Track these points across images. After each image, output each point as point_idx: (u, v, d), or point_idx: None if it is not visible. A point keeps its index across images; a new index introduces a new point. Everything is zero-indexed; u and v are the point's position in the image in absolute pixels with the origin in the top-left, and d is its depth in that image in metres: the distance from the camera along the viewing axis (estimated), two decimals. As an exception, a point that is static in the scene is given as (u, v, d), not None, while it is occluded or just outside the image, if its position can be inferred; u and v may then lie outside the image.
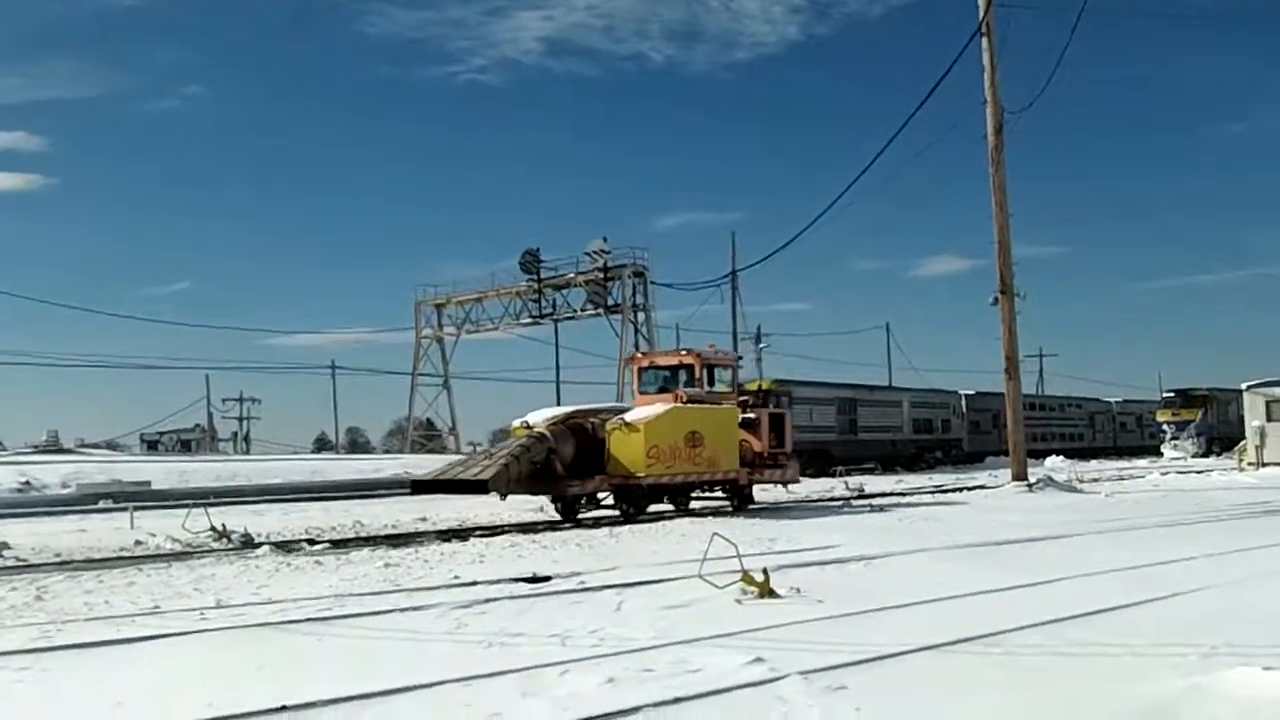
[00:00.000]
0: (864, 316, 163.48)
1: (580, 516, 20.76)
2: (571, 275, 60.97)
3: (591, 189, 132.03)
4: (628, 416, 21.04)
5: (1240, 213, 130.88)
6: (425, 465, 40.13)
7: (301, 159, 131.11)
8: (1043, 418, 61.84)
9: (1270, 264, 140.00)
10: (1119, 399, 75.64)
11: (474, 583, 11.25)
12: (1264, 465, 33.66)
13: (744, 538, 13.45)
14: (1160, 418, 61.70)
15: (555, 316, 62.34)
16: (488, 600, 10.00)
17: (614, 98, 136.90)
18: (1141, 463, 52.84)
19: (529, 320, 63.62)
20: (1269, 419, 34.58)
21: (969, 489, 30.17)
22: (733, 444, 22.25)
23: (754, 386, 42.91)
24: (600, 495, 21.25)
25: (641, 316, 61.08)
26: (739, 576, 9.87)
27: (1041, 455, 48.10)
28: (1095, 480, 33.02)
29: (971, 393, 57.35)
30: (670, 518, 20.56)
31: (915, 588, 10.22)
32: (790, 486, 25.60)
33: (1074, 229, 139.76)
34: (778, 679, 6.52)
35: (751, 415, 23.70)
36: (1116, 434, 71.00)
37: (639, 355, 24.76)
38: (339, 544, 16.60)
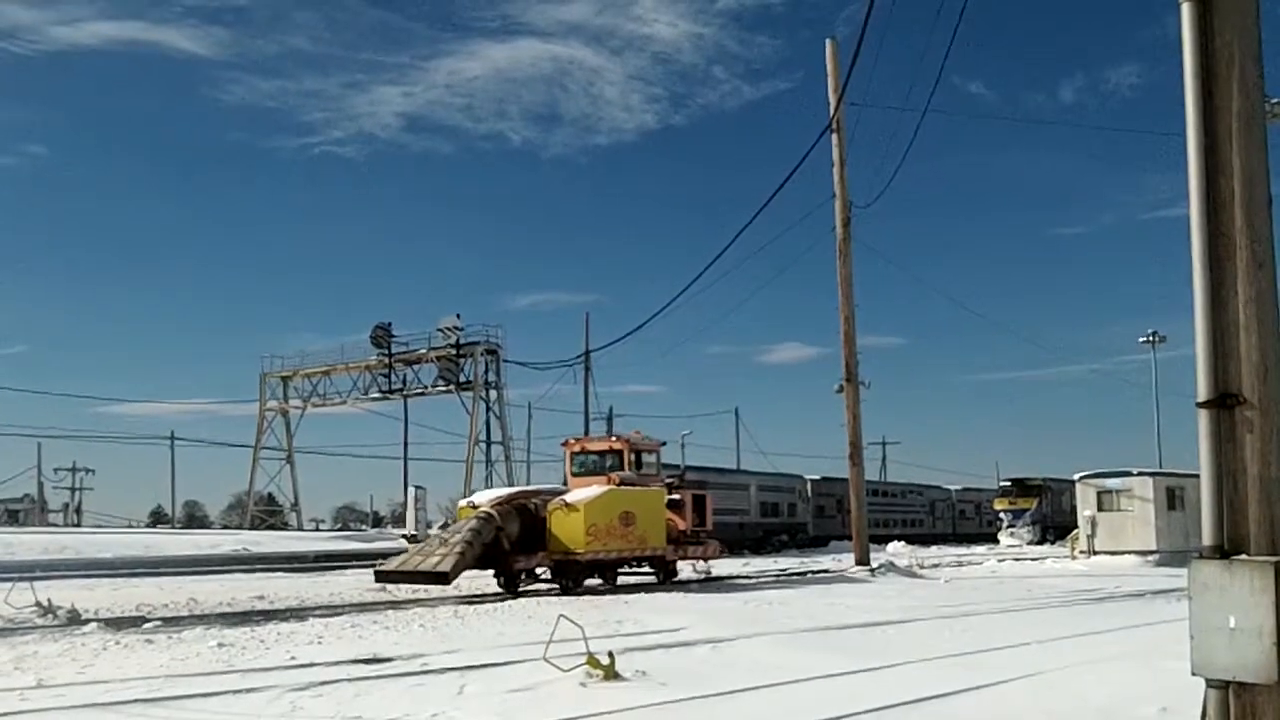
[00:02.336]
0: (714, 400, 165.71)
1: (521, 589, 22.02)
2: (423, 351, 60.38)
3: (446, 265, 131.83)
4: (568, 498, 22.48)
5: (1074, 310, 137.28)
6: (265, 541, 39.06)
7: (147, 223, 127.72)
8: (885, 504, 63.11)
9: (1101, 359, 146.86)
10: (958, 487, 77.68)
11: (311, 664, 10.93)
12: (1095, 554, 34.88)
13: (591, 620, 13.40)
14: (998, 506, 63.45)
15: (405, 392, 61.50)
16: (324, 682, 9.72)
17: (471, 176, 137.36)
18: (979, 549, 54.23)
19: (378, 395, 62.67)
20: (1100, 509, 35.89)
21: (813, 573, 30.53)
22: (661, 523, 24.11)
23: None
24: (539, 570, 22.61)
25: (493, 394, 60.76)
26: (585, 660, 9.80)
27: (884, 540, 49.02)
28: (935, 566, 33.74)
29: (817, 478, 58.22)
30: (524, 595, 20.42)
31: (758, 672, 10.28)
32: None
33: (916, 320, 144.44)
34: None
35: (677, 497, 25.73)
36: (956, 521, 72.76)
37: (572, 440, 26.40)
38: (171, 622, 15.93)
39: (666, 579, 24.81)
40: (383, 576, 21.32)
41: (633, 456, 24.74)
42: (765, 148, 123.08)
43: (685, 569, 28.02)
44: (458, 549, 20.39)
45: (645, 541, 23.52)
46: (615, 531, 22.58)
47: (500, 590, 22.08)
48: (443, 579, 20.03)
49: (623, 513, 22.84)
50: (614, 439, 25.67)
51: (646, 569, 25.01)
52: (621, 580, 24.13)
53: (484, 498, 23.06)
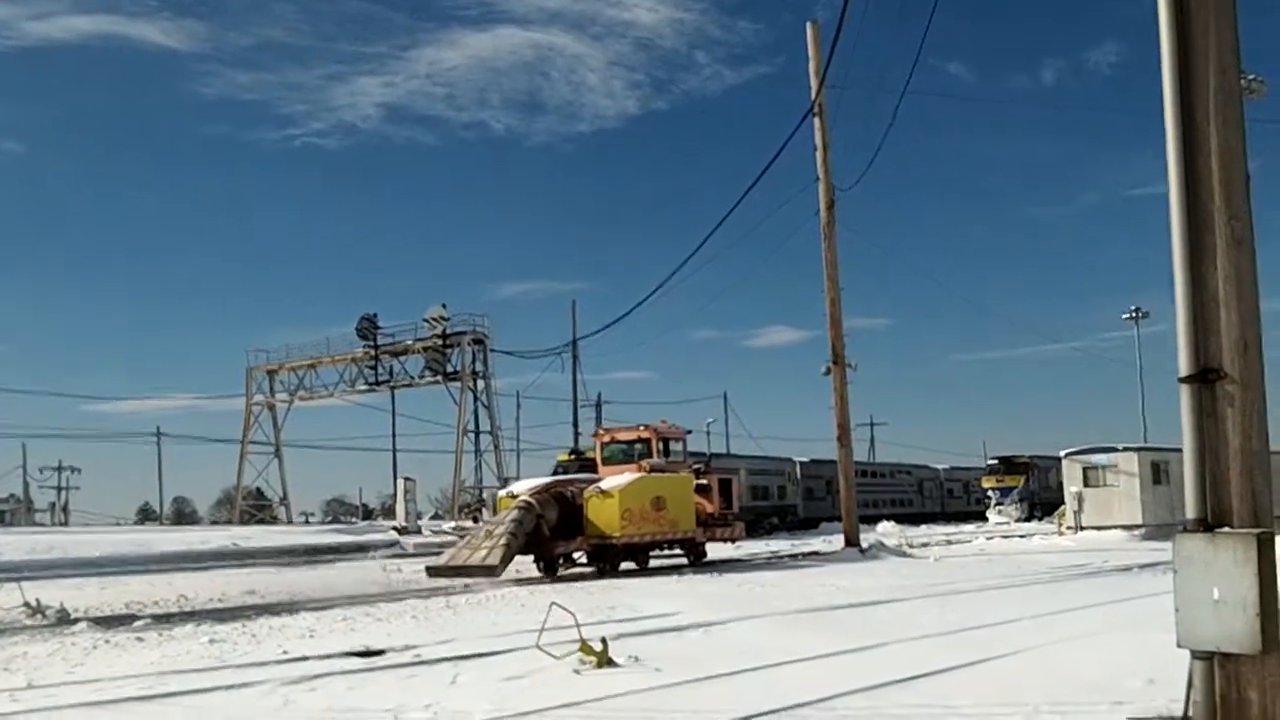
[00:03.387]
0: (702, 385, 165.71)
1: (560, 574, 23.41)
2: (410, 342, 60.22)
3: (431, 255, 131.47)
4: (603, 485, 23.80)
5: (1059, 288, 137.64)
6: (254, 536, 38.96)
7: (127, 219, 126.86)
8: (874, 484, 63.30)
9: (1085, 336, 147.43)
10: (946, 466, 77.94)
11: (303, 658, 10.92)
12: (1082, 529, 35.08)
13: (583, 606, 13.44)
14: (985, 484, 63.73)
15: (392, 384, 61.34)
16: (317, 676, 9.73)
17: (454, 165, 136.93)
18: (968, 527, 54.52)
19: (365, 387, 62.49)
20: (1086, 485, 36.11)
21: (804, 554, 30.62)
22: (690, 507, 25.23)
23: (565, 458, 43.94)
24: (576, 555, 24.03)
25: (481, 384, 60.65)
26: (577, 646, 9.84)
27: (873, 521, 49.19)
28: (924, 545, 33.87)
29: (806, 460, 58.34)
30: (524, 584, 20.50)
31: (751, 654, 10.33)
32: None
33: (900, 301, 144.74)
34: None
35: (704, 481, 26.88)
36: (944, 500, 73.03)
37: (601, 431, 28.35)
38: (162, 619, 15.90)
39: (697, 560, 25.95)
40: (434, 572, 21.95)
41: (660, 444, 26.02)
42: (749, 132, 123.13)
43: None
44: (503, 540, 21.23)
45: (676, 525, 24.64)
46: (648, 516, 23.72)
47: (495, 580, 21.91)
48: (491, 572, 20.79)
49: (654, 498, 23.98)
50: (642, 428, 26.73)
51: (678, 551, 26.04)
52: (654, 563, 25.09)
53: (522, 487, 24.21)
